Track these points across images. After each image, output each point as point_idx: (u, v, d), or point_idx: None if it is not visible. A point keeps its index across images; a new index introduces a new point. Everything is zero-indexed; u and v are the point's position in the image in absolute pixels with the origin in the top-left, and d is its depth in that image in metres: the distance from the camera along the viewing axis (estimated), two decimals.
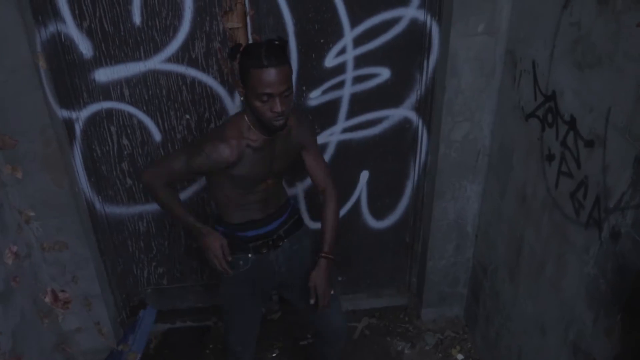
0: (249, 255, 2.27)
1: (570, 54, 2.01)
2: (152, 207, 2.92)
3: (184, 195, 2.90)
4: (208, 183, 2.24)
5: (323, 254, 2.26)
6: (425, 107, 2.77)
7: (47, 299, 1.90)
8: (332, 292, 2.32)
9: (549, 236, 2.27)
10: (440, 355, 3.12)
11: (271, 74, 1.87)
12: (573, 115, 2.03)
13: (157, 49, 2.51)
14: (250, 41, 2.51)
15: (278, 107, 1.91)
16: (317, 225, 3.06)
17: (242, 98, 2.03)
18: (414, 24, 2.58)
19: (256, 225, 2.25)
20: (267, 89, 1.88)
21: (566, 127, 2.09)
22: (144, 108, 2.65)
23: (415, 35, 2.60)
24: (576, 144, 2.03)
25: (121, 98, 2.61)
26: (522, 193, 2.47)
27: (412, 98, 2.77)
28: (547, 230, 2.29)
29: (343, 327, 2.54)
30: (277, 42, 1.95)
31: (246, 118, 2.05)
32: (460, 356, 3.10)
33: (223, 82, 2.62)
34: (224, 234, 2.24)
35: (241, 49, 1.97)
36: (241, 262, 2.27)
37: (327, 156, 2.86)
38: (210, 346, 3.19)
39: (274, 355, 3.15)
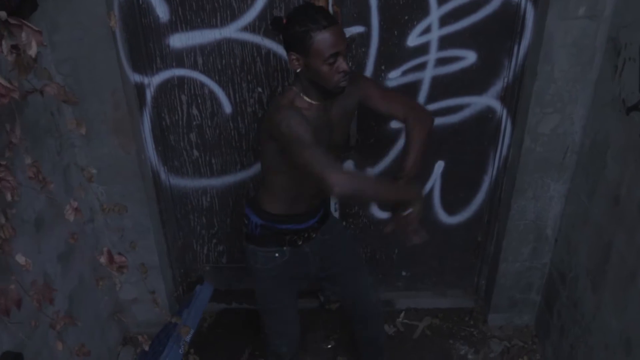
0: (284, 247, 2.20)
1: None
2: (217, 182, 2.86)
3: (250, 171, 2.82)
4: (268, 167, 2.12)
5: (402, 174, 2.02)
6: (512, 98, 2.57)
7: (103, 260, 1.84)
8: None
9: None
10: None
11: (334, 32, 1.84)
12: None
13: (234, 16, 2.43)
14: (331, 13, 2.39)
15: (345, 66, 1.88)
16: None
17: (297, 70, 1.92)
18: (507, 4, 2.38)
19: (298, 219, 2.18)
20: (334, 48, 1.84)
21: None
22: (216, 78, 2.57)
23: (507, 17, 2.41)
24: None
25: (194, 66, 2.54)
26: (615, 195, 2.24)
27: (498, 86, 2.58)
28: None
29: (375, 303, 2.50)
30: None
31: (294, 89, 1.99)
32: None
33: None
34: (262, 226, 2.17)
35: (284, 20, 1.90)
36: (277, 255, 2.20)
37: (401, 142, 2.69)
38: (266, 331, 3.09)
39: (330, 346, 3.03)
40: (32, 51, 1.50)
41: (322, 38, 1.82)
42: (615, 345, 2.25)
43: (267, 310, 2.37)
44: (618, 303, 2.24)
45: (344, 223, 2.95)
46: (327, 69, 1.86)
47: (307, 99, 1.97)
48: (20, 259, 1.72)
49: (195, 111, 2.66)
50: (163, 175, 2.82)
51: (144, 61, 2.52)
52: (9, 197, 1.65)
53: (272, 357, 2.50)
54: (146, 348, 2.08)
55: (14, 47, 1.54)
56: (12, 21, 1.47)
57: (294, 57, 1.89)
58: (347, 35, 2.42)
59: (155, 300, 2.35)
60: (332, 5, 2.38)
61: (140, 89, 2.57)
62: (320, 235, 2.27)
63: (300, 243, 2.22)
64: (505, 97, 2.60)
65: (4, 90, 1.54)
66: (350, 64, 2.52)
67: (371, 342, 2.64)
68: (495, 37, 2.46)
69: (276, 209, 2.15)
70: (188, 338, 2.36)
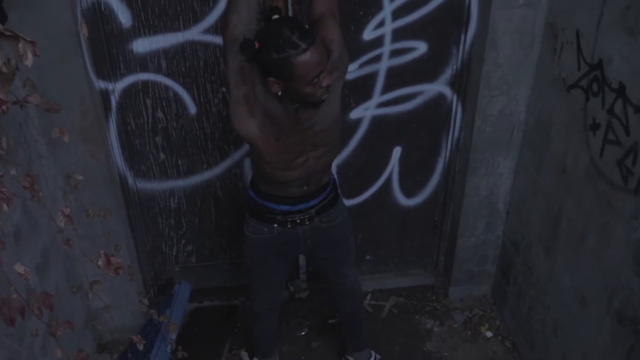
0: (275, 225, 2.24)
1: (621, 21, 2.01)
2: (184, 182, 2.91)
3: (217, 170, 2.89)
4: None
5: None
6: (461, 83, 2.77)
7: (100, 262, 1.87)
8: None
9: (592, 206, 2.28)
10: (469, 332, 3.13)
11: (315, 52, 1.75)
12: (622, 82, 2.03)
13: (196, 19, 2.49)
14: (290, 12, 2.50)
15: (328, 80, 1.82)
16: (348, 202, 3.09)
17: (278, 94, 1.85)
18: None
19: (290, 202, 2.19)
20: (317, 69, 1.77)
21: (614, 95, 2.09)
22: (181, 80, 2.63)
23: (454, 8, 2.60)
24: (625, 111, 2.03)
25: (158, 70, 2.59)
26: (562, 165, 2.47)
27: (448, 73, 2.77)
28: (589, 200, 2.29)
29: (350, 287, 2.60)
30: (278, 16, 1.79)
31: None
32: (489, 333, 3.11)
33: None
34: (253, 200, 2.23)
35: (256, 44, 1.77)
36: (265, 229, 2.26)
37: (360, 132, 2.85)
38: (239, 324, 3.17)
39: (303, 333, 3.14)
40: (29, 61, 1.52)
41: (304, 62, 1.74)
42: (570, 301, 2.48)
43: (251, 272, 2.47)
44: (570, 263, 2.47)
45: None
46: (310, 89, 1.81)
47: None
48: (20, 268, 1.74)
49: (160, 114, 2.70)
50: (130, 180, 2.85)
51: (107, 67, 2.54)
52: (5, 208, 1.66)
53: (251, 313, 2.64)
54: (141, 347, 2.12)
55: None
56: (7, 33, 1.49)
57: (273, 81, 1.81)
58: None
59: (141, 301, 2.39)
60: (292, 4, 2.49)
61: (105, 95, 2.59)
62: (318, 221, 2.27)
63: (290, 226, 2.23)
64: (454, 83, 2.79)
65: None
66: None
67: (347, 317, 2.78)
68: (443, 27, 2.65)
69: (265, 188, 2.17)
70: (174, 336, 2.42)
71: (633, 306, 2.06)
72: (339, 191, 2.40)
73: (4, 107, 1.62)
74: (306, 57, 1.74)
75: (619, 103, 2.07)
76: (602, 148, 2.19)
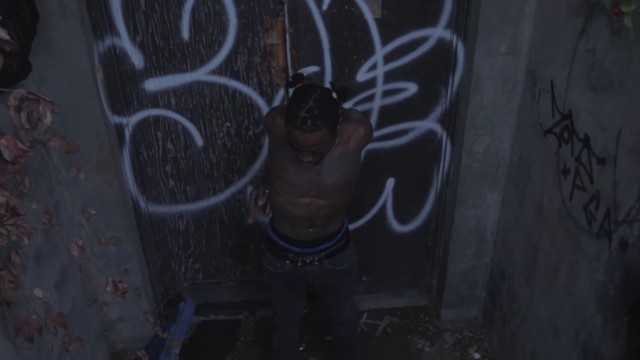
0: (287, 262, 2.47)
1: (586, 77, 2.19)
2: (192, 206, 3.15)
3: (222, 196, 3.13)
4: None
5: None
6: (450, 121, 2.95)
7: (109, 289, 2.12)
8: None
9: (563, 244, 2.44)
10: (458, 353, 3.30)
11: (302, 136, 1.98)
12: (587, 134, 2.20)
13: (202, 61, 2.73)
14: (289, 56, 2.71)
15: (304, 158, 2.07)
16: None
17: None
18: (440, 42, 2.76)
19: (300, 244, 2.41)
20: (296, 144, 2.03)
21: (581, 145, 2.26)
22: (188, 115, 2.87)
23: (442, 53, 2.79)
24: (590, 160, 2.20)
25: (168, 106, 2.83)
26: (539, 203, 2.64)
27: (437, 111, 2.95)
28: (561, 239, 2.46)
29: (346, 321, 2.81)
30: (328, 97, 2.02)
31: None
32: (477, 355, 3.28)
33: (262, 93, 2.83)
34: (269, 236, 2.46)
35: (297, 85, 2.08)
36: (278, 264, 2.49)
37: None
38: (242, 338, 3.40)
39: (301, 348, 3.35)
40: (48, 120, 1.76)
41: (291, 131, 1.99)
42: (545, 330, 2.65)
43: (267, 294, 2.71)
44: (546, 295, 2.64)
45: None
46: (296, 151, 2.08)
47: None
48: (38, 292, 1.99)
49: (170, 145, 2.94)
50: (142, 204, 3.10)
51: (122, 104, 2.79)
52: (26, 242, 1.91)
53: (274, 331, 2.86)
54: None
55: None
56: (30, 96, 1.73)
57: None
58: (305, 74, 2.77)
59: (147, 318, 2.63)
60: (290, 49, 2.70)
61: (119, 129, 2.84)
62: (328, 263, 2.47)
63: (300, 265, 2.45)
64: (444, 121, 2.98)
65: (22, 152, 1.80)
66: None
67: (341, 343, 2.96)
68: (432, 70, 2.84)
69: (279, 227, 2.41)
70: (178, 350, 2.64)
71: (595, 341, 2.22)
72: (351, 239, 2.58)
73: (29, 155, 1.86)
74: (294, 130, 1.98)
75: (585, 152, 2.24)
76: (571, 192, 2.36)
